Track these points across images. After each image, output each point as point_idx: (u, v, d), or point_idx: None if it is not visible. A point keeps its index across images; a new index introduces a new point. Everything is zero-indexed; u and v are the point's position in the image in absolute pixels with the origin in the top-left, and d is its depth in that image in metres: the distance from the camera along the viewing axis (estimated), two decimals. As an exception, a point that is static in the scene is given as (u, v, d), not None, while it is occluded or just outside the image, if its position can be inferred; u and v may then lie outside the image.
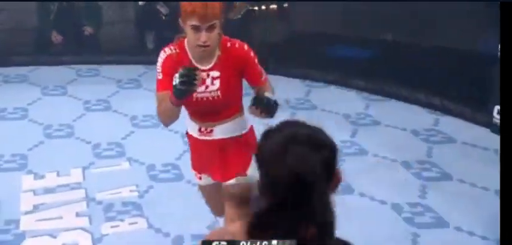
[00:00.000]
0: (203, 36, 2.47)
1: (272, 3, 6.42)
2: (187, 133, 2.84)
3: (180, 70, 2.39)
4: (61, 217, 3.77)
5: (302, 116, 4.96)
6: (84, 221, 3.74)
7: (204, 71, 2.57)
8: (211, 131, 2.72)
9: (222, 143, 2.73)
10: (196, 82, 2.38)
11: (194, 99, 2.58)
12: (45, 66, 6.40)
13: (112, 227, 3.68)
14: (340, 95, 5.77)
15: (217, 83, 2.61)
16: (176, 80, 2.37)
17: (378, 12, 5.79)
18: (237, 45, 2.64)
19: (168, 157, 4.47)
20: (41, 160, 4.47)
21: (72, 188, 4.10)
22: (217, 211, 2.98)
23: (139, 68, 6.32)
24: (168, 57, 2.61)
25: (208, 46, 2.51)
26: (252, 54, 2.66)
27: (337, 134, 5.02)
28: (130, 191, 4.07)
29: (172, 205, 3.88)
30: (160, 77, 2.60)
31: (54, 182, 4.16)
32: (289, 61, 6.17)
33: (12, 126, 5.11)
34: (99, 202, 3.94)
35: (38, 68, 6.37)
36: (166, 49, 2.65)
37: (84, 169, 4.35)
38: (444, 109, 5.29)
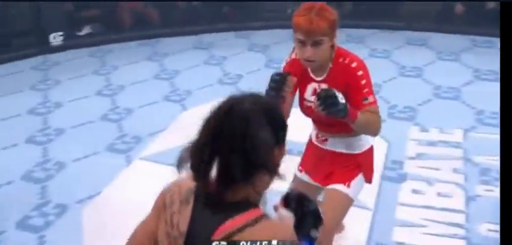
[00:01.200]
0: (308, 51, 2.22)
1: None
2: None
3: (273, 75, 2.22)
4: (439, 169, 3.80)
5: None
6: (459, 178, 3.70)
7: (316, 82, 2.36)
8: (326, 140, 2.52)
9: (332, 156, 2.50)
10: (285, 88, 2.20)
11: (304, 107, 2.42)
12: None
13: (486, 190, 3.56)
14: None
15: None
16: (269, 84, 2.22)
17: None
18: (346, 61, 2.30)
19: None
20: (429, 115, 4.55)
21: (452, 146, 4.08)
22: None
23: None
24: (291, 61, 2.40)
25: (313, 61, 2.25)
26: (359, 73, 2.27)
27: None
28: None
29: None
30: None
31: (437, 137, 4.20)
32: None
33: (409, 82, 5.29)
34: (476, 164, 3.84)
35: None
36: (292, 55, 2.42)
37: (465, 131, 4.28)
38: None
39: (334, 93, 2.11)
